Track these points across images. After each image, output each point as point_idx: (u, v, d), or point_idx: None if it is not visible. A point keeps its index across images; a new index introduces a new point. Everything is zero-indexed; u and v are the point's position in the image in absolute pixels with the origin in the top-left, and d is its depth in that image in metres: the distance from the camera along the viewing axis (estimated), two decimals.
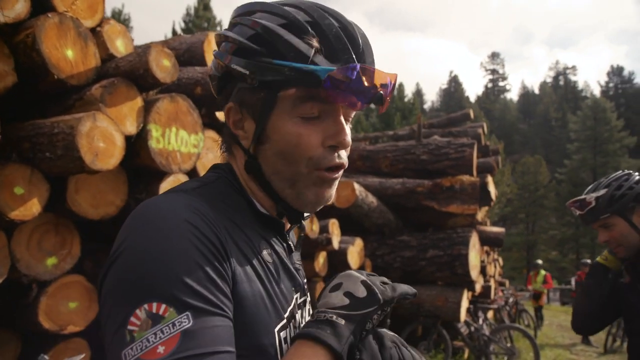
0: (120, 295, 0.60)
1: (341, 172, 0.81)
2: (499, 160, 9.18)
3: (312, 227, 4.92)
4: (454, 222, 6.32)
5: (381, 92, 0.75)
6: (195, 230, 0.64)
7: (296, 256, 0.92)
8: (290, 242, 0.88)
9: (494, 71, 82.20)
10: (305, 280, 0.94)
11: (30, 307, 2.16)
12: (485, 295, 8.31)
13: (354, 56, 0.74)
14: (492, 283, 9.37)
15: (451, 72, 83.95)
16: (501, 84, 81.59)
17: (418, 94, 65.92)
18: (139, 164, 2.37)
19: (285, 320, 0.75)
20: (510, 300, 11.37)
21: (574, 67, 74.01)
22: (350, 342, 0.70)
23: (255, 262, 0.73)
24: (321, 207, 0.82)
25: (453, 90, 74.04)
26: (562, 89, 70.67)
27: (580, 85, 72.30)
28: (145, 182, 2.44)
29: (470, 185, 6.07)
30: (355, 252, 5.56)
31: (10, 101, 2.07)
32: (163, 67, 2.31)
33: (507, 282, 14.84)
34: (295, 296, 0.82)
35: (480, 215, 8.50)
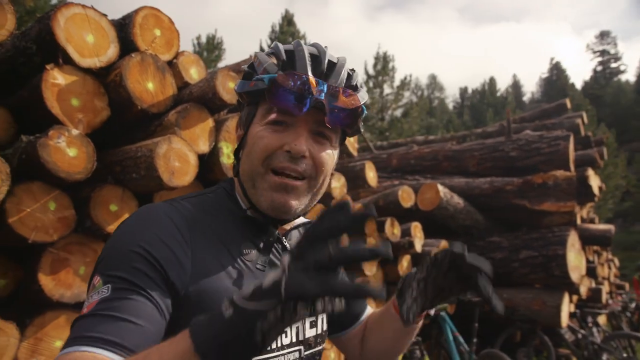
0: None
1: (300, 184, 0.87)
2: (603, 151, 8.39)
3: (393, 230, 4.94)
4: (549, 220, 5.91)
5: (321, 100, 0.84)
6: (153, 234, 0.78)
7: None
8: (286, 243, 0.97)
9: (603, 52, 74.58)
10: None
11: None
12: (596, 299, 7.60)
13: (308, 71, 0.86)
14: (605, 286, 8.55)
15: (552, 59, 77.63)
16: (613, 65, 73.77)
17: (515, 86, 61.97)
18: (213, 178, 2.63)
19: None
20: (632, 305, 10.22)
21: None
22: (224, 340, 0.58)
23: (227, 260, 0.84)
24: (283, 215, 0.89)
25: (555, 79, 68.43)
26: None
27: None
28: None
29: (566, 181, 5.65)
30: None
31: (105, 131, 2.42)
32: (229, 89, 2.55)
33: (627, 285, 13.35)
34: None
35: (584, 212, 7.84)
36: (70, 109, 2.28)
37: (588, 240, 6.93)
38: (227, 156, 2.59)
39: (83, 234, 2.24)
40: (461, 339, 4.73)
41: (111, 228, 2.20)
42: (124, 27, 2.57)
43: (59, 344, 2.09)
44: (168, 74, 2.56)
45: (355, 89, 0.92)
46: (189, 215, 0.85)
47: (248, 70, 0.92)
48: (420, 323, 1.06)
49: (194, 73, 2.78)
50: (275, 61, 0.88)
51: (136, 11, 2.59)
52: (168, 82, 2.55)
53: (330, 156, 0.91)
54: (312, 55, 0.88)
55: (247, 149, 0.90)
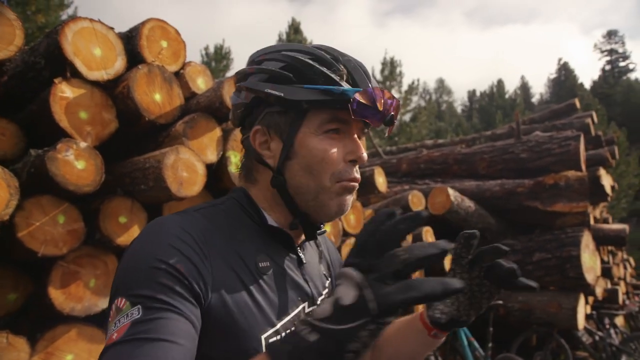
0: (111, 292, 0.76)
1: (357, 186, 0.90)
2: (615, 150, 8.28)
3: None
4: (562, 221, 5.83)
5: (392, 114, 0.87)
6: (171, 247, 0.75)
7: (312, 267, 0.97)
8: (301, 255, 0.94)
9: (611, 51, 73.88)
10: (325, 291, 0.98)
11: None
12: (612, 300, 7.47)
13: (370, 84, 0.87)
14: (621, 286, 8.40)
15: (560, 60, 77.14)
16: (622, 64, 73.03)
17: (523, 88, 61.62)
18: (222, 187, 2.62)
19: (276, 328, 0.80)
20: None
21: None
22: None
23: (244, 273, 0.81)
24: (338, 217, 0.90)
25: (563, 79, 67.84)
26: None
27: None
28: None
29: (577, 181, 5.58)
30: None
31: (113, 144, 2.43)
32: None
33: None
34: (301, 306, 0.88)
35: (597, 212, 7.73)
36: (79, 122, 2.29)
37: (602, 240, 6.83)
38: (235, 165, 2.58)
39: (93, 246, 2.24)
40: (476, 344, 4.66)
41: (121, 240, 2.20)
42: (130, 40, 2.58)
43: (70, 358, 2.09)
44: (175, 85, 2.57)
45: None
46: (203, 227, 0.81)
47: (287, 74, 0.85)
48: (444, 338, 1.02)
49: (201, 83, 2.78)
50: (341, 71, 0.87)
51: (143, 23, 2.60)
52: (175, 92, 2.56)
53: None
54: (359, 66, 0.90)
55: (305, 161, 0.86)
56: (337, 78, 0.85)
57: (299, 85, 0.84)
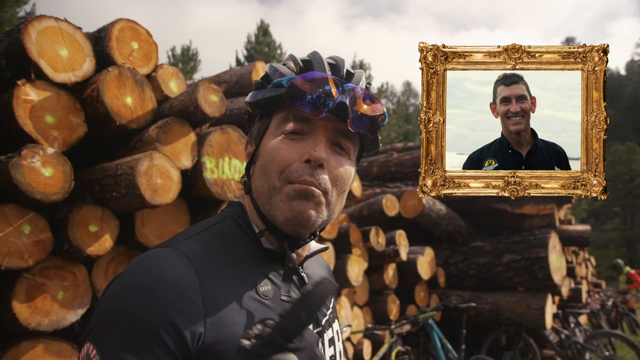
0: (89, 329, 0.70)
1: (318, 193, 0.80)
2: None
3: (378, 239, 4.91)
4: (530, 223, 5.99)
5: (343, 102, 0.80)
6: (160, 302, 0.69)
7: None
8: (303, 274, 0.89)
9: None
10: (329, 311, 0.94)
11: None
12: (576, 299, 7.71)
13: (327, 73, 0.84)
14: (583, 285, 8.68)
15: None
16: None
17: None
18: (197, 194, 2.55)
19: None
20: (609, 303, 10.44)
21: None
22: None
23: (245, 303, 0.76)
24: (300, 228, 0.81)
25: None
26: None
27: None
28: (204, 210, 2.61)
29: None
30: (425, 262, 5.46)
31: (82, 149, 2.32)
32: (211, 102, 2.48)
33: (603, 284, 13.65)
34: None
35: (562, 213, 7.96)
36: (45, 126, 2.17)
37: (567, 241, 7.04)
38: (210, 171, 2.51)
39: (61, 257, 2.13)
40: (449, 346, 4.71)
41: (91, 250, 2.10)
42: (99, 41, 2.47)
43: None
44: (147, 88, 2.48)
45: (372, 99, 0.88)
46: (198, 258, 0.75)
47: (260, 81, 0.88)
48: None
49: (173, 86, 2.70)
50: (293, 66, 0.87)
51: (112, 24, 2.50)
52: (147, 96, 2.47)
53: (347, 171, 0.85)
54: (329, 64, 0.87)
55: (261, 162, 0.83)
56: (289, 72, 0.84)
57: (265, 88, 0.86)
